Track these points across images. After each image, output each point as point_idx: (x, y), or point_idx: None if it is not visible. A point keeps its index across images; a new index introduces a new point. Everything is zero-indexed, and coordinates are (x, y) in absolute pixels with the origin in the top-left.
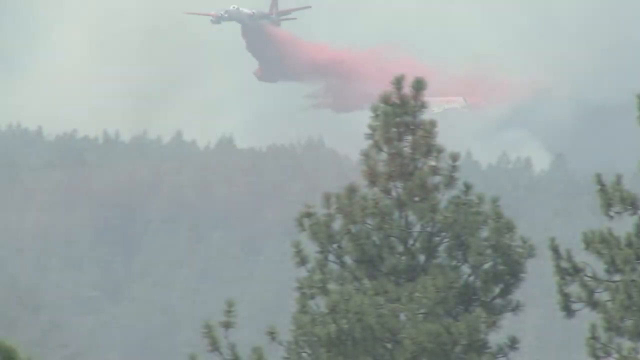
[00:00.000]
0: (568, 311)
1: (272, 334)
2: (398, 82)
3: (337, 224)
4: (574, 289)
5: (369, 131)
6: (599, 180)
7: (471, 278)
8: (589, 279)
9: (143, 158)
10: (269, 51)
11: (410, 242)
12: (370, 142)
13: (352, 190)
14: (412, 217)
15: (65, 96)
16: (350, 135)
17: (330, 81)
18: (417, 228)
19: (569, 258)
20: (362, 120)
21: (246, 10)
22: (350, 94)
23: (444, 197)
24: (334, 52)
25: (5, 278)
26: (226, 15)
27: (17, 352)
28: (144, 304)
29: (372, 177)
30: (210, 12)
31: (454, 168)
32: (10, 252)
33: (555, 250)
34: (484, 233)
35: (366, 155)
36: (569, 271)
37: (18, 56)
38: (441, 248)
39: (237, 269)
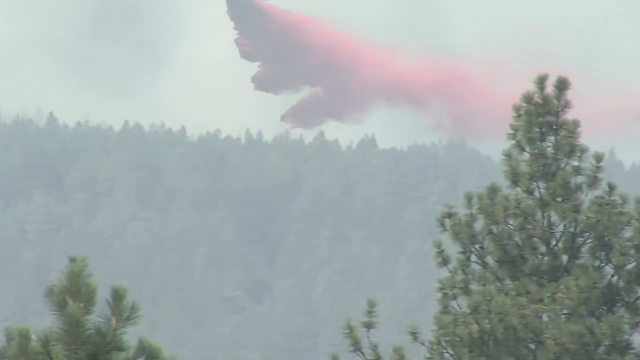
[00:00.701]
0: None
1: (414, 334)
2: (541, 81)
3: (479, 225)
4: None
5: (511, 131)
6: None
7: (614, 279)
8: None
9: (285, 158)
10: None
11: (553, 242)
12: (512, 142)
13: (494, 190)
14: (555, 218)
15: (208, 96)
16: (492, 135)
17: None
18: (560, 229)
19: None
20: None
21: None
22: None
23: (587, 198)
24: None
25: (149, 278)
26: None
27: (161, 351)
28: (286, 303)
29: (515, 178)
30: None
31: (598, 169)
32: (155, 252)
33: None
34: (628, 234)
35: (508, 155)
36: None
37: (163, 57)
38: (584, 249)
39: (378, 269)
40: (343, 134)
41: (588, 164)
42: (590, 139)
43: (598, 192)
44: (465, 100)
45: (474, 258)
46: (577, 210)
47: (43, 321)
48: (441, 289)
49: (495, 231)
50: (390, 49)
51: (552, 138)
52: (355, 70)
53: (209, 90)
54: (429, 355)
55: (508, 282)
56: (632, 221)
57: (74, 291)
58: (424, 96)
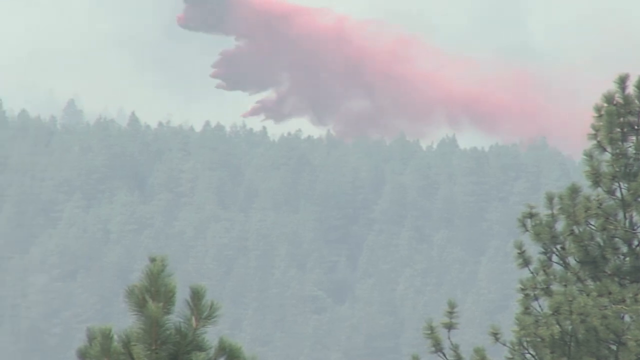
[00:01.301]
0: None
1: (495, 335)
2: (622, 80)
3: (560, 225)
4: None
5: (591, 131)
6: None
7: None
8: None
9: (366, 158)
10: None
11: (635, 243)
12: (593, 142)
13: (575, 190)
14: (636, 218)
15: None
16: (574, 135)
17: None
18: None
19: None
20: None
21: None
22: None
23: None
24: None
25: (230, 277)
26: None
27: (242, 350)
28: (367, 304)
29: (596, 178)
30: None
31: None
32: (236, 252)
33: None
34: None
35: (589, 155)
36: None
37: None
38: None
39: (459, 270)
40: (423, 134)
41: None
42: None
43: None
44: (542, 114)
45: (555, 258)
46: None
47: (126, 321)
48: (522, 289)
49: (576, 231)
50: (457, 57)
51: (634, 138)
52: (419, 81)
53: None
54: (510, 356)
55: (589, 282)
56: None
57: (153, 291)
58: (495, 113)
